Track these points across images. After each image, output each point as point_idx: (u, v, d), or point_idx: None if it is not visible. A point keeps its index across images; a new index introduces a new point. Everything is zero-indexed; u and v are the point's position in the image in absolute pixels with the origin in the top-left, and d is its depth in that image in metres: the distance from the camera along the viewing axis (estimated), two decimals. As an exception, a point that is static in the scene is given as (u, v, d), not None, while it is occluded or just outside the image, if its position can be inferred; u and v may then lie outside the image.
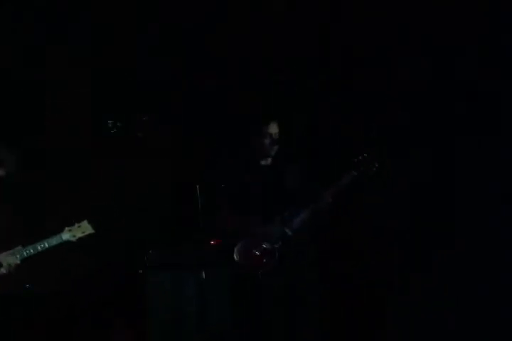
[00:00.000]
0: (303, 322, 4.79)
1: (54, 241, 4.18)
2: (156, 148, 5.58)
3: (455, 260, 5.33)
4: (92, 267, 5.56)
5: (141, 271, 5.37)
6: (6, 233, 4.41)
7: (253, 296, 4.79)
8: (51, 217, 5.23)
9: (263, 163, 5.01)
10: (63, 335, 5.35)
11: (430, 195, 5.47)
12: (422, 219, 5.47)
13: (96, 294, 5.52)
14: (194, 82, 5.76)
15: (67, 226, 4.26)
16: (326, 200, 4.83)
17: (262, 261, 4.79)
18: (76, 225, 4.27)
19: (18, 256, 4.06)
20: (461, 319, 5.28)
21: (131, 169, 5.64)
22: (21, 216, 5.16)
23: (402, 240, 5.52)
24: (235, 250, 4.82)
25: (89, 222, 4.31)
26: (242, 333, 4.84)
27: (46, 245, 4.13)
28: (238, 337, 4.87)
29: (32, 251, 4.09)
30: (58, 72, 5.57)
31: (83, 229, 4.28)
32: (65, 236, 4.22)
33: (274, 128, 4.92)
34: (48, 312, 5.30)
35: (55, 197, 5.53)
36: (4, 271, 4.05)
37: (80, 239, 4.26)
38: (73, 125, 5.61)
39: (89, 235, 4.30)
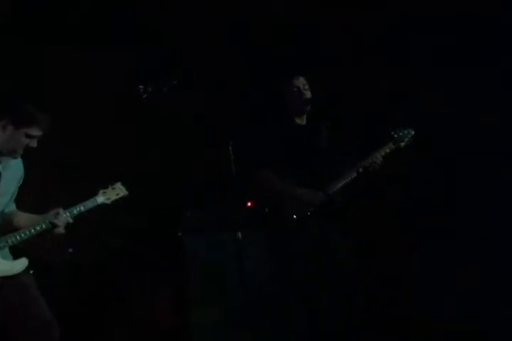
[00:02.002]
0: (336, 278, 4.71)
1: (89, 204, 4.06)
2: (188, 111, 5.51)
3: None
4: (131, 231, 5.54)
5: (179, 234, 5.38)
6: (42, 197, 4.38)
7: (288, 253, 4.72)
8: (85, 181, 5.13)
9: (298, 121, 4.95)
10: (104, 300, 5.37)
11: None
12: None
13: (136, 258, 5.52)
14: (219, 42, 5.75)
15: (101, 189, 4.15)
16: (359, 169, 4.74)
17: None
18: (110, 187, 4.15)
19: (68, 214, 3.97)
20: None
21: (163, 133, 5.62)
22: (55, 180, 5.27)
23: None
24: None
25: (122, 184, 4.21)
26: (280, 289, 4.78)
27: (82, 208, 4.03)
28: (277, 293, 4.81)
29: (69, 214, 4.00)
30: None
31: (117, 191, 4.15)
32: (100, 199, 4.09)
33: (300, 81, 4.88)
34: (89, 278, 5.34)
35: (87, 162, 5.53)
36: (63, 231, 3.97)
37: (114, 201, 4.15)
38: (102, 90, 5.59)
39: (123, 197, 4.18)
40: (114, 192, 4.15)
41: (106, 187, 4.15)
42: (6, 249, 3.95)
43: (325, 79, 5.54)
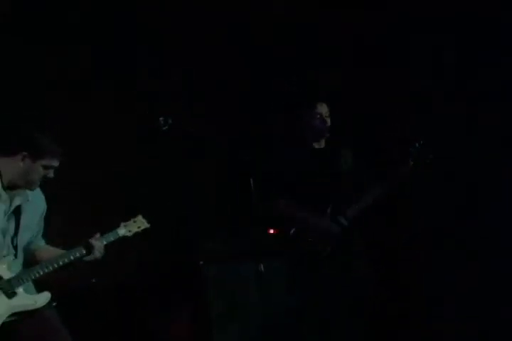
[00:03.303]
0: (357, 312, 4.73)
1: (111, 237, 4.06)
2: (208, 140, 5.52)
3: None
4: (152, 261, 5.56)
5: (201, 263, 5.39)
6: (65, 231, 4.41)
7: (310, 284, 4.73)
8: (106, 214, 5.17)
9: (316, 146, 4.95)
10: (126, 327, 5.36)
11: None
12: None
13: (157, 288, 5.51)
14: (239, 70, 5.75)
15: (123, 222, 4.15)
16: (382, 190, 4.75)
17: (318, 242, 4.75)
18: (131, 220, 4.15)
19: (104, 241, 4.01)
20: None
21: (184, 163, 5.64)
22: (77, 214, 5.27)
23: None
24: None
25: (143, 217, 4.21)
26: (301, 321, 4.79)
27: (104, 241, 4.02)
28: (298, 325, 4.81)
29: (78, 255, 3.96)
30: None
31: (138, 224, 4.15)
32: (121, 231, 4.09)
33: (323, 108, 4.88)
34: (111, 306, 5.32)
35: (108, 195, 5.55)
36: (98, 255, 3.97)
37: (136, 233, 4.15)
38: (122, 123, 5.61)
39: (145, 230, 4.18)
40: (135, 225, 4.16)
41: (127, 220, 4.17)
42: (30, 283, 3.92)
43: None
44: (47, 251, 4.06)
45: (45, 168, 3.84)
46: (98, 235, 4.01)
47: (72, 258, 3.94)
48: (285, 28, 5.74)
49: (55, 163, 3.87)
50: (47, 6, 5.46)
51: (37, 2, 5.44)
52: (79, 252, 3.95)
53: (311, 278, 4.73)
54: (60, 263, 3.92)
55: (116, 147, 5.60)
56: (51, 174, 3.89)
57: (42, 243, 4.10)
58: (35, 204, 3.98)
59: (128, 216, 4.18)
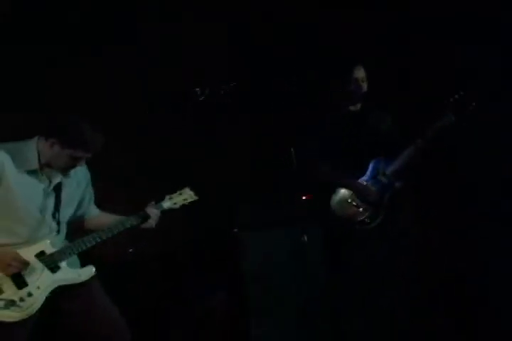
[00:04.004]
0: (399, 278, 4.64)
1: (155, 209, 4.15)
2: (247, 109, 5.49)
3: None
4: (189, 228, 5.55)
5: (235, 230, 5.37)
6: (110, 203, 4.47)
7: (347, 251, 4.71)
8: (152, 187, 5.17)
9: (352, 109, 4.93)
10: (164, 296, 5.38)
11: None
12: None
13: (193, 255, 5.52)
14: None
15: (168, 195, 4.19)
16: (420, 145, 4.68)
17: (357, 212, 4.72)
18: (177, 192, 4.20)
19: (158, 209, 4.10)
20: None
21: (220, 132, 5.66)
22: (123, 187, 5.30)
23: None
24: (332, 202, 4.76)
25: (191, 189, 4.23)
26: (337, 289, 4.73)
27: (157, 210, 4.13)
28: (333, 292, 4.75)
29: (134, 223, 4.07)
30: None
31: (185, 196, 4.20)
32: (166, 204, 4.16)
33: (360, 73, 4.86)
34: (147, 277, 5.35)
35: (154, 167, 5.56)
36: (153, 223, 4.08)
37: (182, 206, 4.20)
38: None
39: (193, 202, 4.22)
40: (181, 198, 4.20)
41: (173, 193, 4.20)
42: (75, 257, 4.00)
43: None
44: (104, 217, 4.18)
45: (72, 158, 3.87)
46: (153, 203, 4.10)
47: (128, 225, 4.04)
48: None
49: (84, 155, 3.89)
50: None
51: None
52: (135, 220, 4.05)
53: (353, 248, 4.70)
54: (115, 231, 4.02)
55: (154, 119, 5.62)
56: (81, 163, 3.93)
57: (95, 211, 4.20)
58: (76, 178, 4.05)
59: (174, 188, 4.19)
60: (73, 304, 3.92)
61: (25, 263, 3.79)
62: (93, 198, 4.20)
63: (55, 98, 5.39)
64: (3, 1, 5.39)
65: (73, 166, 3.92)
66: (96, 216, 4.21)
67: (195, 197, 4.22)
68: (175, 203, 4.18)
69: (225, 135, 5.68)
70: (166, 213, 4.20)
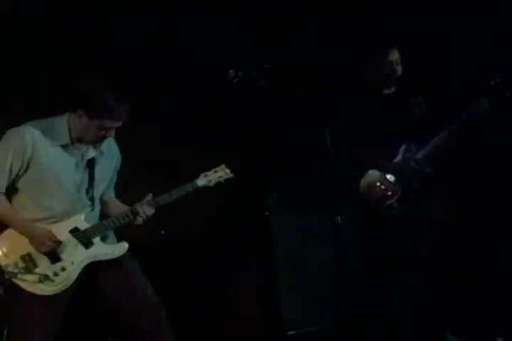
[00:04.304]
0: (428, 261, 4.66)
1: (189, 187, 4.02)
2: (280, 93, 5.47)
3: None
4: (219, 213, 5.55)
5: (267, 213, 5.34)
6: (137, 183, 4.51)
7: (380, 233, 4.71)
8: (187, 164, 5.11)
9: (387, 92, 4.92)
10: (191, 279, 5.38)
11: None
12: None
13: (224, 238, 5.50)
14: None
15: (203, 172, 4.09)
16: (453, 130, 4.66)
17: (386, 195, 4.70)
18: (212, 170, 4.10)
19: (152, 206, 3.99)
20: None
21: (253, 116, 5.65)
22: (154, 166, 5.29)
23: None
24: (361, 184, 4.75)
25: (227, 167, 4.13)
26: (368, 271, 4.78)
27: (182, 193, 4.01)
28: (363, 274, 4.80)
29: (167, 199, 4.00)
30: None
31: (220, 173, 4.09)
32: (201, 182, 4.04)
33: (395, 55, 4.84)
34: (178, 256, 5.36)
35: (189, 144, 5.55)
36: (141, 221, 4.00)
37: (217, 183, 4.09)
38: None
39: (228, 179, 4.11)
40: (216, 175, 4.08)
41: (208, 170, 4.10)
42: (111, 233, 4.02)
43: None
44: (116, 205, 4.14)
45: (101, 127, 3.83)
46: (150, 196, 4.00)
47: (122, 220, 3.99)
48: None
49: (113, 124, 3.83)
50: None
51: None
52: (123, 219, 3.98)
53: (381, 233, 4.69)
54: (123, 219, 3.98)
55: (188, 100, 5.62)
56: (111, 134, 3.89)
57: (112, 195, 4.17)
58: (109, 156, 4.04)
59: (210, 166, 4.11)
60: (106, 280, 3.94)
61: (59, 242, 3.82)
62: (115, 180, 4.17)
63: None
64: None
65: (103, 138, 3.88)
66: (111, 200, 4.18)
67: (230, 175, 4.10)
68: (210, 180, 4.06)
69: (257, 117, 5.68)
70: (200, 191, 4.09)
